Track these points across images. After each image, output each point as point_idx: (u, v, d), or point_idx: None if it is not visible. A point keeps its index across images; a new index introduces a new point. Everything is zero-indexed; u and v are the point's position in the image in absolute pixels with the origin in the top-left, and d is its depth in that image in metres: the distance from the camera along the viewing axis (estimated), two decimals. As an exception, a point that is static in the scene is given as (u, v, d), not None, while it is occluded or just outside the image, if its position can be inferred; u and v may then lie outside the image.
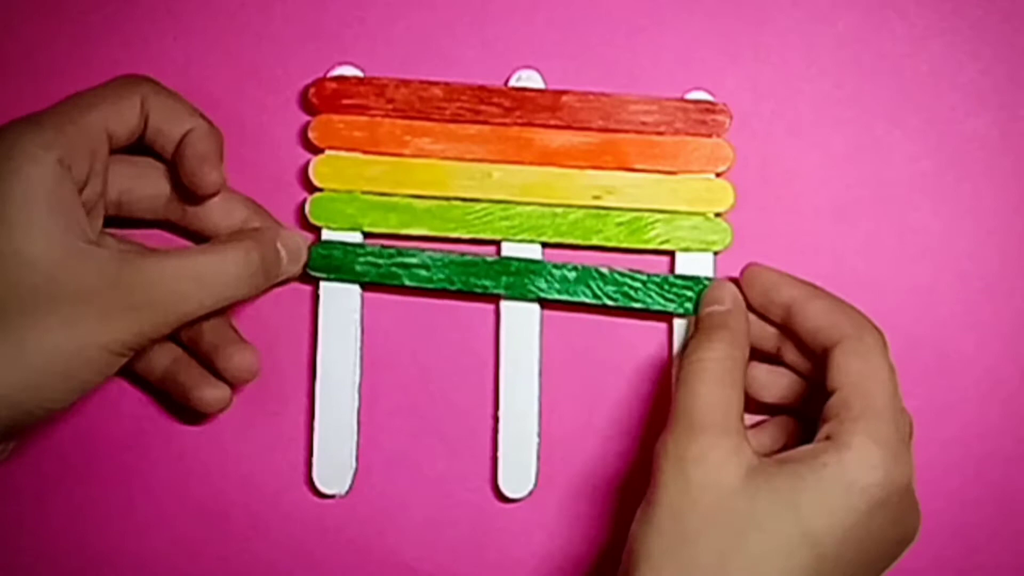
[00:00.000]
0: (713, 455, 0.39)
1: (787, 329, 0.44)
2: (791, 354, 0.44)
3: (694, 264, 0.46)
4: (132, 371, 0.46)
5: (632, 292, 0.46)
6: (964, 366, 0.47)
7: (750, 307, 0.45)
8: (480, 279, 0.46)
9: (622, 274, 0.46)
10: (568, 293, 0.46)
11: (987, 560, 0.47)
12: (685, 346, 0.43)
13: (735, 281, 0.45)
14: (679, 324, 0.46)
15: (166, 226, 0.47)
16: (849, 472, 0.38)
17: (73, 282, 0.39)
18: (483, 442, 0.47)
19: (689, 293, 0.46)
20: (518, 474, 0.46)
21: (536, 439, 0.46)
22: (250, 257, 0.43)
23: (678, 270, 0.46)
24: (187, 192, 0.44)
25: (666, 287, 0.46)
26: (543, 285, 0.46)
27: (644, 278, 0.46)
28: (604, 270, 0.46)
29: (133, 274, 0.40)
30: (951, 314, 0.47)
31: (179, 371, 0.45)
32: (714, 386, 0.40)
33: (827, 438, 0.39)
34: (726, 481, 0.38)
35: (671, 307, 0.46)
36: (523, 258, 0.46)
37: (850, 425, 0.39)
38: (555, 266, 0.46)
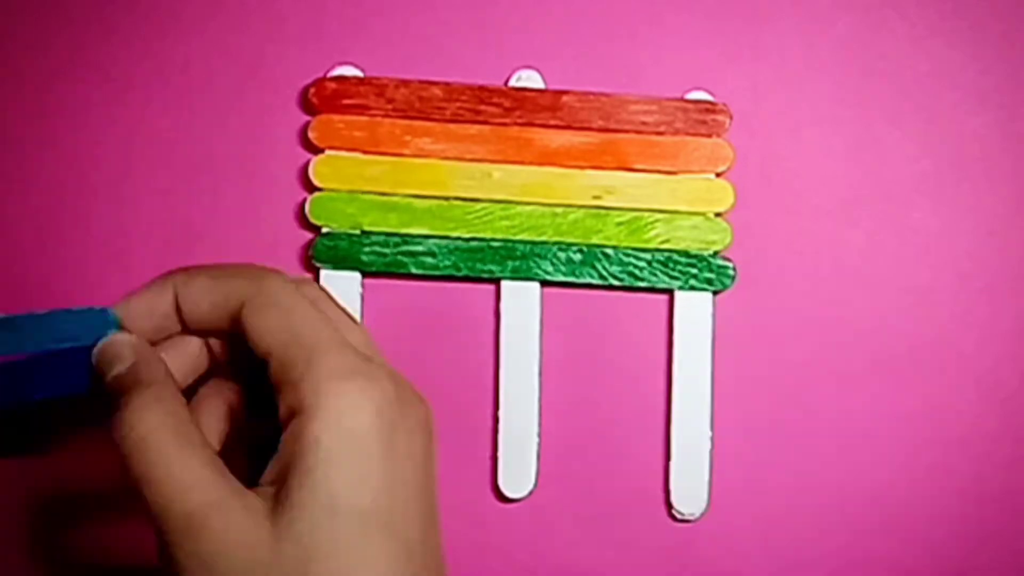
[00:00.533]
0: (230, 535, 0.32)
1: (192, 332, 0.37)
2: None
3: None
4: None
5: (637, 271, 0.46)
6: (964, 366, 0.47)
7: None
8: (486, 264, 0.46)
9: (627, 254, 0.46)
10: (574, 275, 0.46)
11: (987, 560, 0.47)
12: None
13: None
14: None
15: None
16: (341, 427, 0.32)
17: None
18: (483, 442, 0.47)
19: (694, 271, 0.46)
20: (518, 474, 0.46)
21: (536, 439, 0.46)
22: None
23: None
24: None
25: (671, 265, 0.46)
26: (549, 268, 0.46)
27: (649, 257, 0.46)
28: (609, 250, 0.46)
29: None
30: (951, 314, 0.47)
31: None
32: (175, 459, 0.33)
33: (291, 415, 0.33)
34: (259, 555, 0.32)
35: (676, 285, 0.46)
36: (528, 240, 0.46)
37: (307, 383, 0.33)
38: (560, 248, 0.46)
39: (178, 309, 0.37)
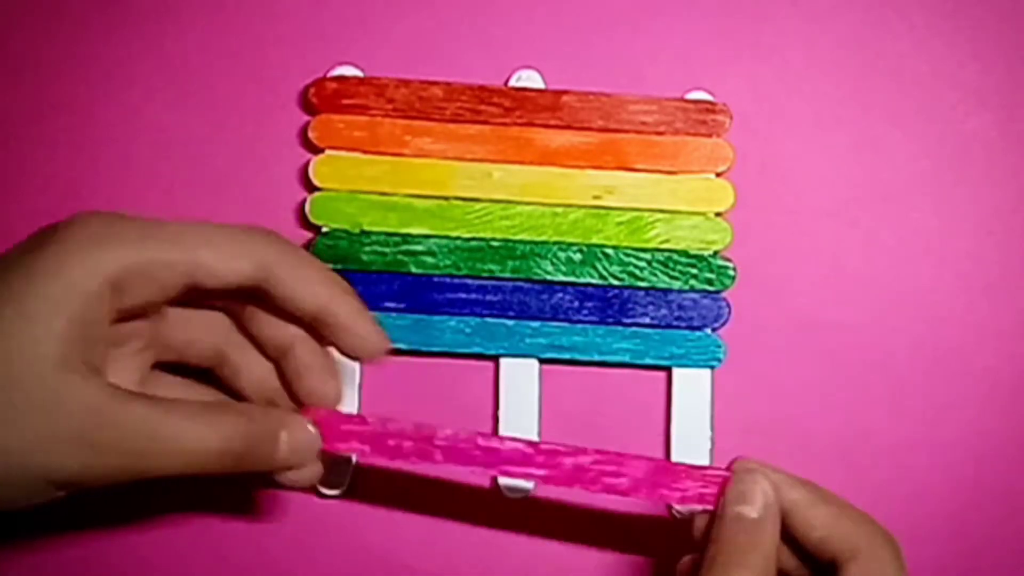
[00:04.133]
0: None
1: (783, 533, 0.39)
2: (787, 560, 0.39)
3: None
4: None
5: (637, 271, 0.46)
6: (964, 366, 0.47)
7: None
8: (486, 263, 0.46)
9: (627, 253, 0.46)
10: (574, 275, 0.46)
11: (987, 560, 0.47)
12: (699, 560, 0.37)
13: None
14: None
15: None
16: None
17: (49, 396, 0.35)
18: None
19: (694, 271, 0.46)
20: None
21: (536, 439, 0.46)
22: (234, 437, 0.38)
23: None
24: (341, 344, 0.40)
25: (671, 265, 0.46)
26: (549, 267, 0.46)
27: (649, 257, 0.46)
28: (609, 250, 0.46)
29: (110, 414, 0.36)
30: (951, 314, 0.47)
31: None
32: None
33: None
34: None
35: (676, 285, 0.46)
36: (528, 240, 0.46)
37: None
38: (560, 248, 0.46)
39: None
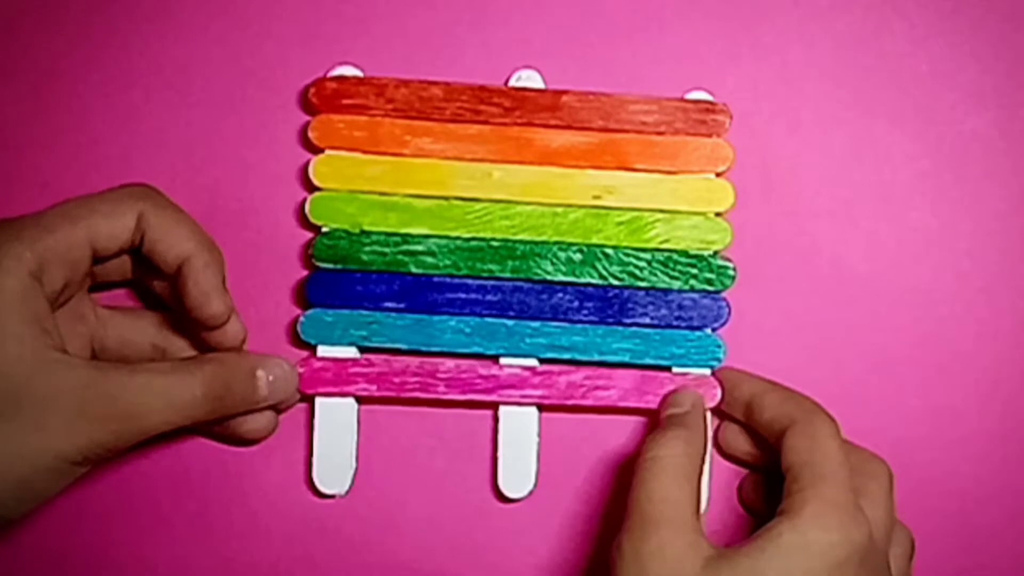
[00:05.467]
0: (670, 549, 0.39)
1: (750, 427, 0.45)
2: (748, 447, 0.46)
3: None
4: None
5: (637, 271, 0.46)
6: (964, 366, 0.47)
7: (718, 410, 0.46)
8: (486, 263, 0.46)
9: (627, 253, 0.46)
10: (574, 275, 0.46)
11: (987, 560, 0.47)
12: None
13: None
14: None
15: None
16: (805, 535, 0.38)
17: (40, 389, 0.39)
18: (483, 442, 0.47)
19: (694, 271, 0.46)
20: (518, 474, 0.46)
21: (536, 439, 0.46)
22: (215, 381, 0.42)
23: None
24: (192, 321, 0.44)
25: (671, 265, 0.46)
26: (549, 268, 0.46)
27: (649, 257, 0.46)
28: (609, 250, 0.46)
29: (100, 385, 0.39)
30: (951, 314, 0.47)
31: None
32: (669, 483, 0.40)
33: (781, 513, 0.39)
34: (685, 572, 0.38)
35: (676, 285, 0.46)
36: (528, 240, 0.46)
37: (799, 495, 0.39)
38: (560, 248, 0.46)
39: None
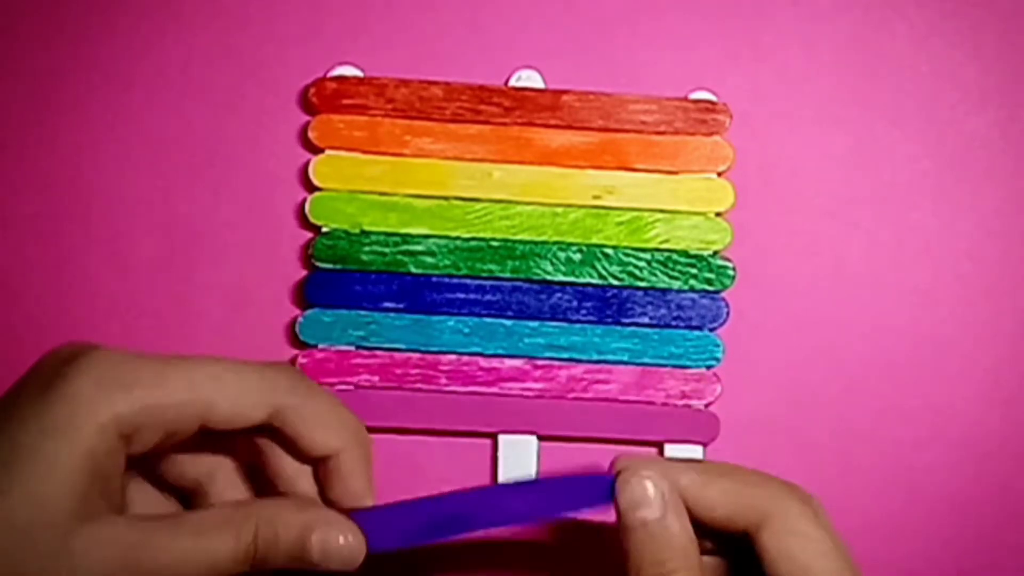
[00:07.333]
0: None
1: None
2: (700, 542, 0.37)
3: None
4: None
5: (637, 271, 0.46)
6: (964, 366, 0.47)
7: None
8: (486, 263, 0.46)
9: (627, 253, 0.46)
10: (574, 275, 0.46)
11: (987, 560, 0.47)
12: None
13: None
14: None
15: None
16: None
17: (79, 547, 0.34)
18: (483, 442, 0.47)
19: (694, 271, 0.46)
20: (518, 474, 0.46)
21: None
22: (261, 544, 0.36)
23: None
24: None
25: (671, 265, 0.46)
26: (549, 267, 0.46)
27: (649, 257, 0.46)
28: (609, 250, 0.46)
29: (143, 549, 0.35)
30: (951, 314, 0.47)
31: None
32: None
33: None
34: None
35: (675, 285, 0.46)
36: (528, 240, 0.46)
37: None
38: (560, 248, 0.46)
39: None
